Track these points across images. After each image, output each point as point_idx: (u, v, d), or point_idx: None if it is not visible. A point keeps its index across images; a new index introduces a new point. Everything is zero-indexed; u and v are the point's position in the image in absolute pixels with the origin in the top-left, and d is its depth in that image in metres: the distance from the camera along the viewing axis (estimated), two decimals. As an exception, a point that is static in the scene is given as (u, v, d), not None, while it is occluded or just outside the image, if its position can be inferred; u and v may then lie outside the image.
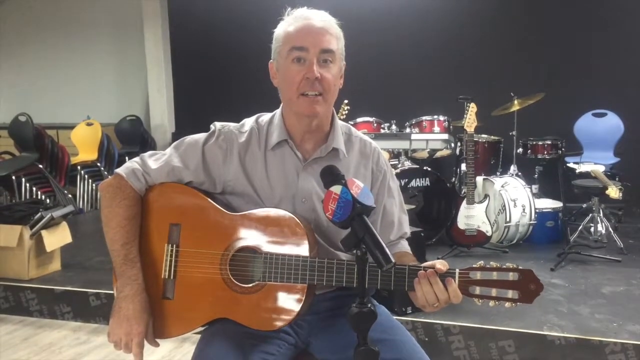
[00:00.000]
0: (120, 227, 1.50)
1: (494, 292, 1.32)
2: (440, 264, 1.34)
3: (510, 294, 1.32)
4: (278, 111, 1.60)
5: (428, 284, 1.33)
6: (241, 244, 1.46)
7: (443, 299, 1.32)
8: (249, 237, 1.46)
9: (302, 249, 1.42)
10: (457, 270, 1.33)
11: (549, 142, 4.62)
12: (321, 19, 1.49)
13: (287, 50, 1.47)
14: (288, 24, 1.50)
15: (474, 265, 1.34)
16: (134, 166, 1.54)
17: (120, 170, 1.54)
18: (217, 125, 1.58)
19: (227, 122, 1.61)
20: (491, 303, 1.33)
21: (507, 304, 1.32)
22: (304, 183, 1.53)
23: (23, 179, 5.32)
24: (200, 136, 1.57)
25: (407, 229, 1.68)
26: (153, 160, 1.55)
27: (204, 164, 1.54)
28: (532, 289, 1.31)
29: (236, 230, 1.48)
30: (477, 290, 1.32)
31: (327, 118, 1.56)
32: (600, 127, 5.19)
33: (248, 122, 1.60)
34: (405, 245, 1.66)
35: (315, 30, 1.46)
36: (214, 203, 1.52)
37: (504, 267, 1.33)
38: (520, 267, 1.32)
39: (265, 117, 1.61)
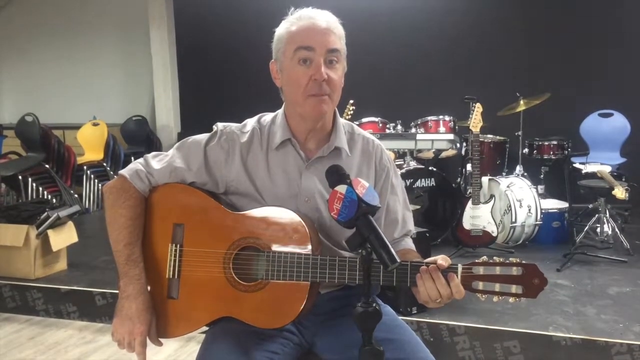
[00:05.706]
0: (124, 228, 1.50)
1: (497, 287, 1.30)
2: (442, 260, 1.33)
3: (513, 288, 1.30)
4: (280, 111, 1.59)
5: (430, 280, 1.32)
6: (244, 242, 1.46)
7: (445, 294, 1.31)
8: (251, 235, 1.46)
9: (305, 247, 1.42)
10: (460, 266, 1.32)
11: (554, 143, 4.60)
12: (325, 18, 1.48)
13: (292, 50, 1.45)
14: (290, 23, 1.48)
15: (476, 260, 1.33)
16: (137, 167, 1.55)
17: (123, 172, 1.55)
18: (219, 125, 1.59)
19: (229, 123, 1.61)
20: (495, 298, 1.31)
21: (511, 299, 1.31)
22: (306, 182, 1.53)
23: (29, 179, 5.33)
24: (203, 137, 1.57)
25: (412, 227, 1.67)
26: (156, 161, 1.56)
27: (206, 164, 1.54)
28: (536, 283, 1.29)
29: (239, 229, 1.47)
30: (480, 285, 1.31)
31: (330, 117, 1.56)
32: (607, 127, 5.17)
33: (250, 122, 1.60)
34: (409, 243, 1.65)
35: (320, 30, 1.45)
36: (217, 202, 1.52)
37: (507, 261, 1.31)
38: (523, 262, 1.31)
39: (267, 117, 1.61)
